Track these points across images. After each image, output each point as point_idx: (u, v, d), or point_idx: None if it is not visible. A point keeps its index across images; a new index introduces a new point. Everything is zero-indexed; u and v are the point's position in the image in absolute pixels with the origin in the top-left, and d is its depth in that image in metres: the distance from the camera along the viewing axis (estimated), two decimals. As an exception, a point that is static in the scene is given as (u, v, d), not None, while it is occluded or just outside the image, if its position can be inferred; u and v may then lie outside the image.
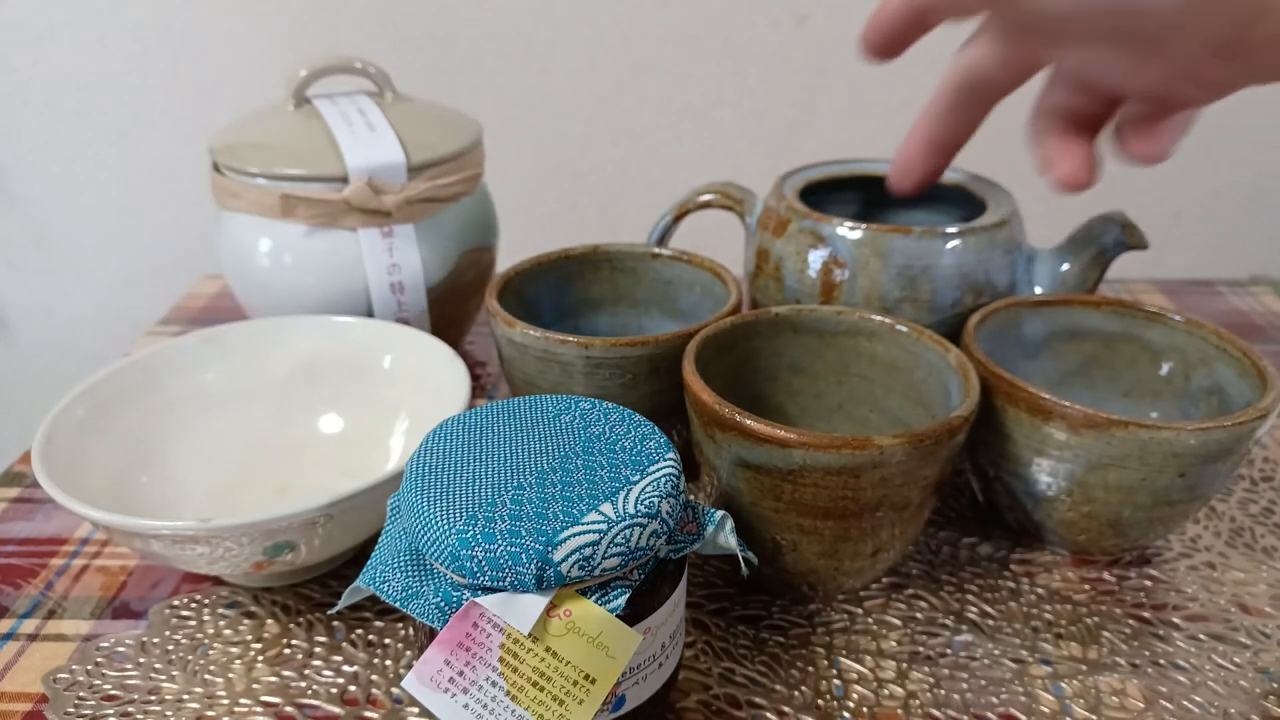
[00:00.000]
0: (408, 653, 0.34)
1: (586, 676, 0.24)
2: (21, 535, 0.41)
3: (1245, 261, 0.89)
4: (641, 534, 0.25)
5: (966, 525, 0.41)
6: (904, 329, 0.38)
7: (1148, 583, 0.38)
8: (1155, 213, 0.87)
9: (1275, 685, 0.33)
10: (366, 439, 0.43)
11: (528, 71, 0.82)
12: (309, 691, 0.33)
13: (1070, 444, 0.33)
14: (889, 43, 0.32)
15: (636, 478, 0.27)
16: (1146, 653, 0.34)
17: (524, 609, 0.24)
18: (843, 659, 0.34)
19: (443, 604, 0.25)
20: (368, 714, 0.32)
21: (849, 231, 0.42)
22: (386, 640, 0.35)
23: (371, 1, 0.79)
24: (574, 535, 0.24)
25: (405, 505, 0.26)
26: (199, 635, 0.35)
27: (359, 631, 0.35)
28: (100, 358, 0.95)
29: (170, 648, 0.35)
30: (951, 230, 0.41)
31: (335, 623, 0.36)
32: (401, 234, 0.47)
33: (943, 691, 0.33)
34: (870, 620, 0.36)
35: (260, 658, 0.34)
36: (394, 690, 0.33)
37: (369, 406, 0.44)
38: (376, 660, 0.34)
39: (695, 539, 0.28)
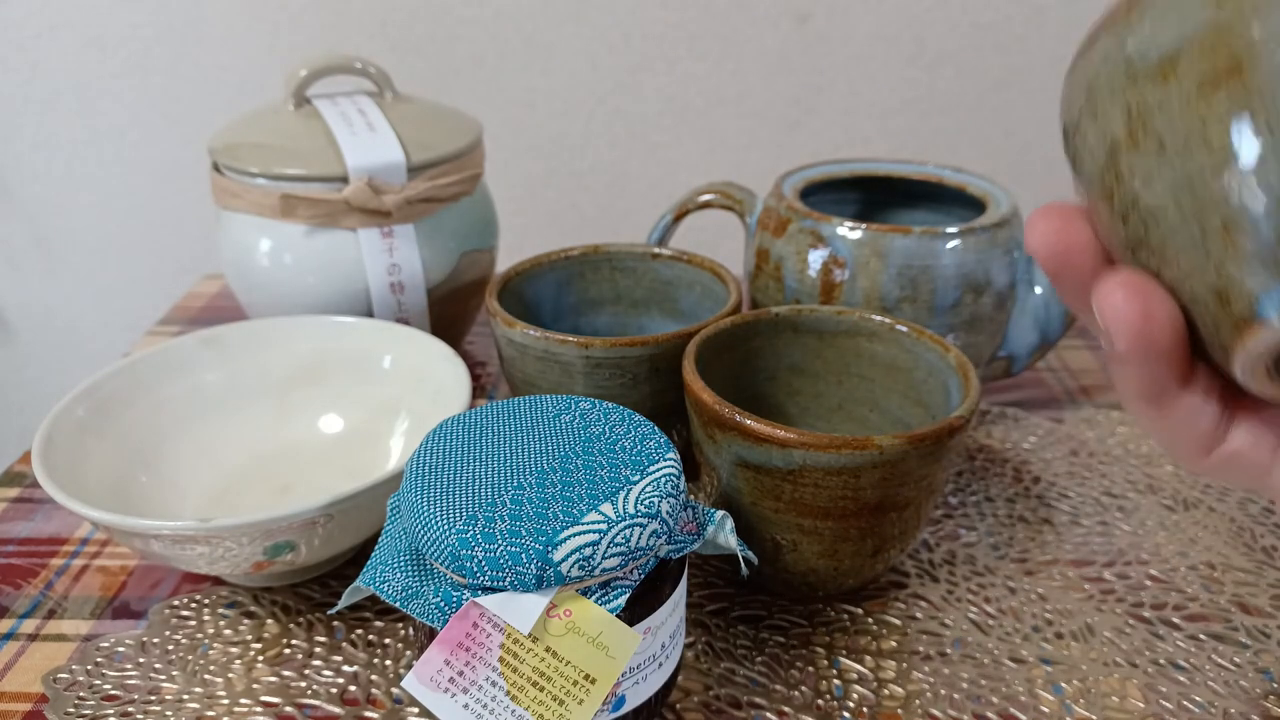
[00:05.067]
0: (408, 653, 0.34)
1: (586, 676, 0.24)
2: (21, 535, 0.41)
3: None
4: (641, 534, 0.25)
5: (966, 524, 0.41)
6: (904, 329, 0.38)
7: (1148, 583, 0.38)
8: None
9: (1275, 685, 0.33)
10: (366, 439, 0.43)
11: (528, 71, 0.82)
12: (309, 691, 0.33)
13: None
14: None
15: (636, 478, 0.27)
16: (1147, 653, 0.34)
17: (524, 609, 0.24)
18: (843, 659, 0.34)
19: (443, 604, 0.25)
20: (368, 714, 0.32)
21: (849, 231, 0.42)
22: (386, 640, 0.35)
23: (371, 1, 0.79)
24: (574, 535, 0.24)
25: (405, 505, 0.26)
26: (199, 635, 0.35)
27: (359, 631, 0.35)
28: (100, 358, 0.95)
29: (170, 648, 0.35)
30: (951, 230, 0.41)
31: (335, 623, 0.36)
32: (401, 234, 0.47)
33: (943, 691, 0.33)
34: (870, 620, 0.36)
35: (260, 658, 0.34)
36: (394, 690, 0.33)
37: (369, 406, 0.44)
38: (376, 660, 0.34)
39: (695, 539, 0.28)
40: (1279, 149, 0.16)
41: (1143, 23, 0.17)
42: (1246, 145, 0.16)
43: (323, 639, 0.35)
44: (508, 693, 0.24)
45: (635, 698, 0.28)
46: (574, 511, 0.25)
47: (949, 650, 0.34)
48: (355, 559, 0.39)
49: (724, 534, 0.29)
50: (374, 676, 0.33)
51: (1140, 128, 0.17)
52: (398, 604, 0.26)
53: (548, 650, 0.24)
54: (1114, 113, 0.18)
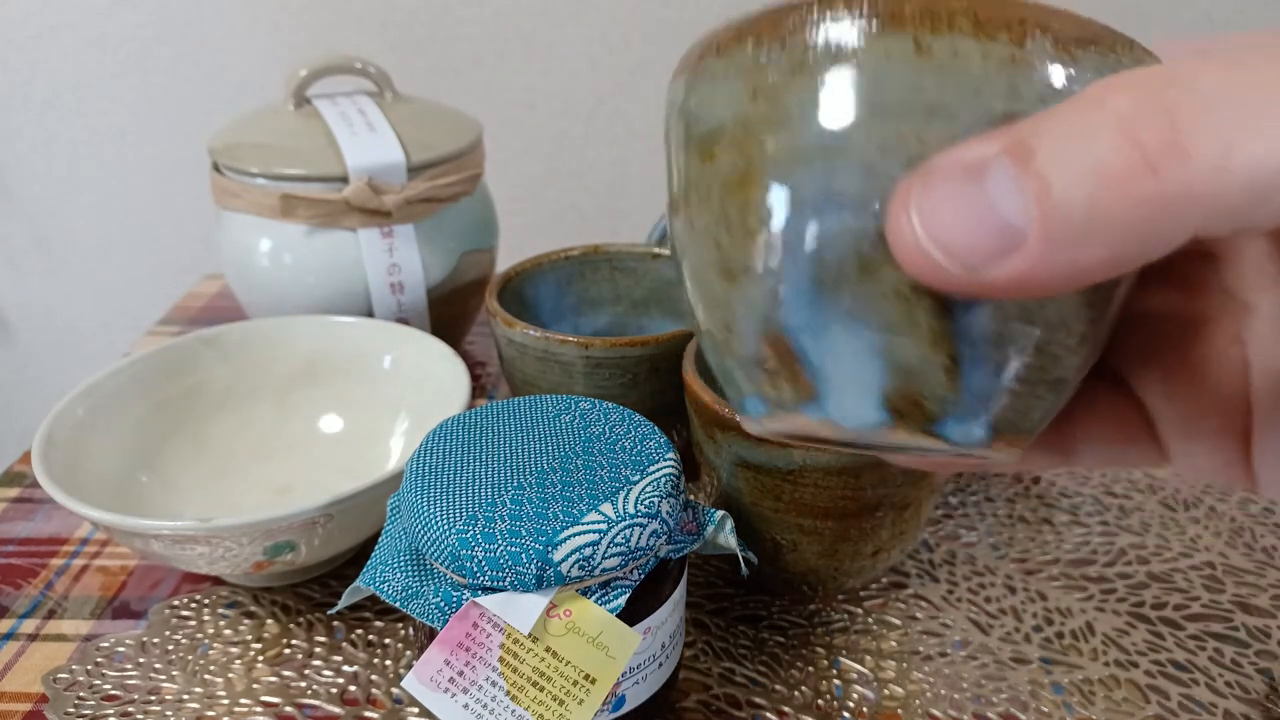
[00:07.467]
0: (408, 653, 0.34)
1: (586, 676, 0.24)
2: (21, 535, 0.41)
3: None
4: (641, 534, 0.25)
5: (966, 524, 0.41)
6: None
7: (1149, 582, 0.38)
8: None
9: (1275, 685, 0.33)
10: (366, 439, 0.43)
11: (528, 71, 0.82)
12: (309, 691, 0.33)
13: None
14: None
15: (636, 478, 0.26)
16: (1147, 653, 0.34)
17: (524, 609, 0.24)
18: (843, 659, 0.34)
19: (443, 604, 0.25)
20: (368, 714, 0.32)
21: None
22: (386, 640, 0.35)
23: (371, 1, 0.79)
24: (574, 535, 0.24)
25: (405, 505, 0.26)
26: (199, 635, 0.35)
27: (359, 631, 0.35)
28: (100, 358, 0.95)
29: (170, 648, 0.35)
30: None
31: (335, 623, 0.36)
32: (401, 234, 0.47)
33: (943, 691, 0.33)
34: (870, 620, 0.36)
35: (260, 658, 0.34)
36: (394, 690, 0.33)
37: (369, 406, 0.44)
38: (376, 660, 0.34)
39: (695, 539, 0.28)
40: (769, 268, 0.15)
41: (700, 85, 0.16)
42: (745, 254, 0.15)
43: (323, 639, 0.35)
44: (508, 693, 0.24)
45: (635, 698, 0.28)
46: (574, 511, 0.25)
47: (949, 650, 0.34)
48: (355, 559, 0.39)
49: (724, 534, 0.29)
50: (374, 676, 0.33)
51: (684, 195, 0.17)
52: (398, 604, 0.26)
53: (548, 650, 0.24)
54: (672, 163, 0.17)
